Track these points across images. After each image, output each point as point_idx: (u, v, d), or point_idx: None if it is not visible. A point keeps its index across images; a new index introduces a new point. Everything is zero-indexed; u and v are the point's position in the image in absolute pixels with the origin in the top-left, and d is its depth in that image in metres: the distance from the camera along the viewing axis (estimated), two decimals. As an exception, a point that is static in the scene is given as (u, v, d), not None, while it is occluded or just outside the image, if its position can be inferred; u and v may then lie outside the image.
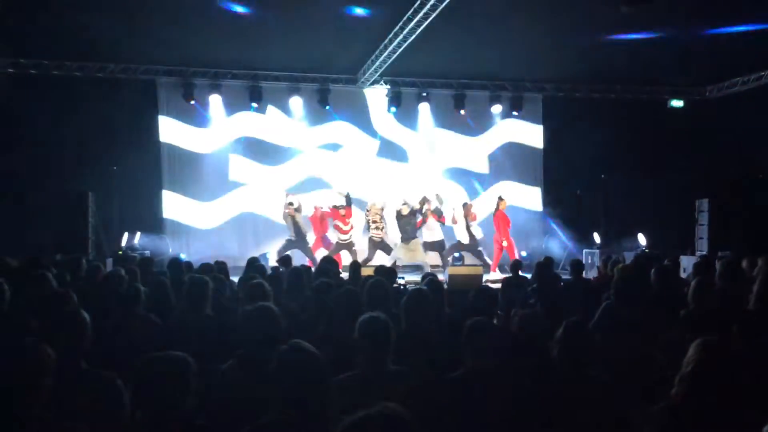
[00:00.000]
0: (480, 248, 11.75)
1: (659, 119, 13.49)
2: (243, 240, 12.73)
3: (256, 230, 12.77)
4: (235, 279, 6.33)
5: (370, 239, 11.59)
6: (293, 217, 11.44)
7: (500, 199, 12.26)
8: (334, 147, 13.27)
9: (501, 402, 2.83)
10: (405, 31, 9.27)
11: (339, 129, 13.28)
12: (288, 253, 9.89)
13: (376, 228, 11.51)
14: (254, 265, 6.53)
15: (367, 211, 11.70)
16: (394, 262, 10.08)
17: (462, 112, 13.37)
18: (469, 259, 12.29)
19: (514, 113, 13.55)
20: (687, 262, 9.94)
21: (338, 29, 9.79)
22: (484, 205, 13.44)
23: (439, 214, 11.61)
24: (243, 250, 12.00)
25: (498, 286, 6.94)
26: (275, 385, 2.36)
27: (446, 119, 13.52)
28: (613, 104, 13.50)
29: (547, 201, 13.80)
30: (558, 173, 13.68)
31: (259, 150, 12.94)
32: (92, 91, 11.59)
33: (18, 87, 11.34)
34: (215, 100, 12.54)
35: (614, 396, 2.89)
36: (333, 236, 11.71)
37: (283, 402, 2.32)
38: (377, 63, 11.08)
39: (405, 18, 8.96)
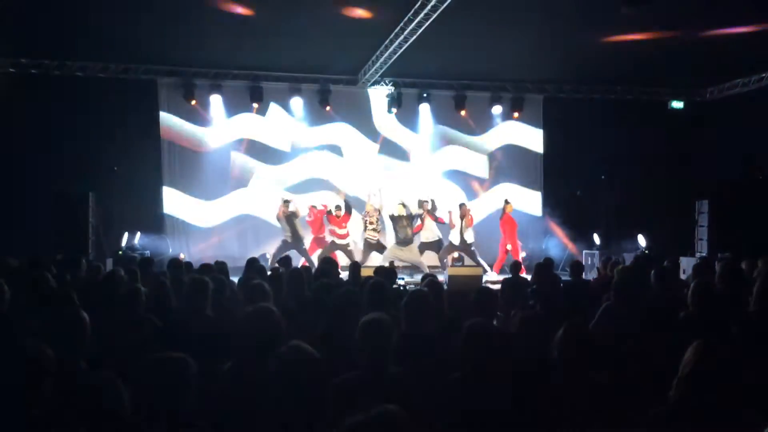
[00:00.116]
0: (473, 248, 11.72)
1: (659, 120, 13.49)
2: (243, 240, 12.73)
3: (256, 230, 12.77)
4: (236, 279, 6.33)
5: (366, 240, 11.58)
6: (288, 218, 11.42)
7: (506, 202, 12.26)
8: (335, 147, 13.28)
9: (501, 403, 2.83)
10: (406, 32, 9.27)
11: (339, 129, 13.28)
12: (287, 253, 9.88)
13: (373, 230, 11.50)
14: (254, 265, 6.53)
15: (366, 212, 11.69)
16: (391, 263, 10.06)
17: (462, 112, 13.37)
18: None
19: (515, 114, 13.55)
20: (687, 264, 9.95)
21: (339, 30, 9.80)
22: (484, 206, 13.47)
23: (435, 215, 11.61)
24: (243, 250, 12.00)
25: (498, 287, 6.93)
26: (275, 386, 2.36)
27: (447, 120, 13.52)
28: (614, 105, 13.50)
29: (546, 202, 13.79)
30: (558, 174, 13.67)
31: (259, 150, 12.94)
32: (93, 91, 11.61)
33: (18, 87, 11.34)
34: (216, 101, 12.55)
35: (614, 397, 2.90)
36: (329, 238, 11.72)
37: (283, 403, 2.32)
38: (378, 63, 11.08)
39: (406, 19, 8.97)
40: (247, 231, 12.85)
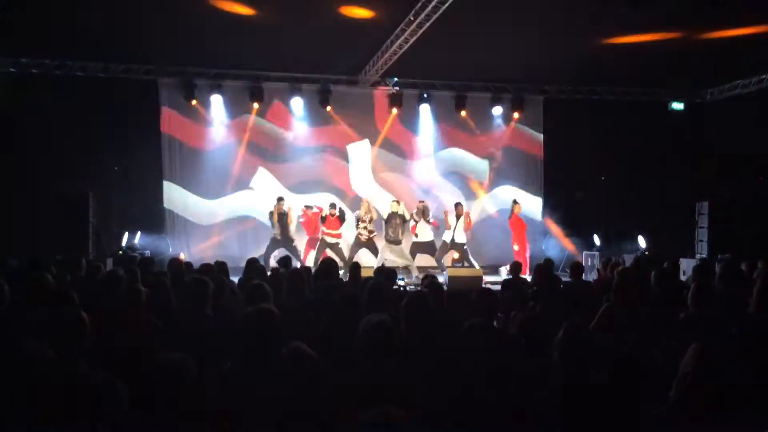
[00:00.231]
0: (466, 247, 11.71)
1: (660, 121, 13.50)
2: (243, 240, 12.73)
3: (256, 231, 12.76)
4: (236, 279, 6.33)
5: (356, 237, 11.60)
6: (279, 216, 11.44)
7: (515, 203, 12.28)
8: (335, 148, 13.27)
9: (501, 404, 2.82)
10: (407, 32, 9.28)
11: (340, 130, 13.28)
12: (287, 254, 9.88)
13: (364, 228, 11.50)
14: (254, 265, 6.53)
15: (360, 212, 11.69)
16: (383, 264, 10.07)
17: (463, 113, 13.37)
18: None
19: (515, 115, 13.55)
20: (687, 265, 9.94)
21: (339, 30, 9.80)
22: (484, 206, 13.46)
23: (429, 219, 11.59)
24: (243, 250, 12.00)
25: (498, 287, 6.95)
26: (275, 386, 2.36)
27: (447, 120, 13.53)
28: (614, 106, 13.49)
29: (546, 202, 13.79)
30: (558, 175, 13.66)
31: (259, 150, 12.94)
32: (93, 91, 11.59)
33: (19, 87, 11.34)
34: (216, 101, 12.55)
35: (614, 398, 2.89)
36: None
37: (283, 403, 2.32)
38: (379, 64, 11.08)
39: (406, 19, 8.97)
40: (247, 231, 12.84)
